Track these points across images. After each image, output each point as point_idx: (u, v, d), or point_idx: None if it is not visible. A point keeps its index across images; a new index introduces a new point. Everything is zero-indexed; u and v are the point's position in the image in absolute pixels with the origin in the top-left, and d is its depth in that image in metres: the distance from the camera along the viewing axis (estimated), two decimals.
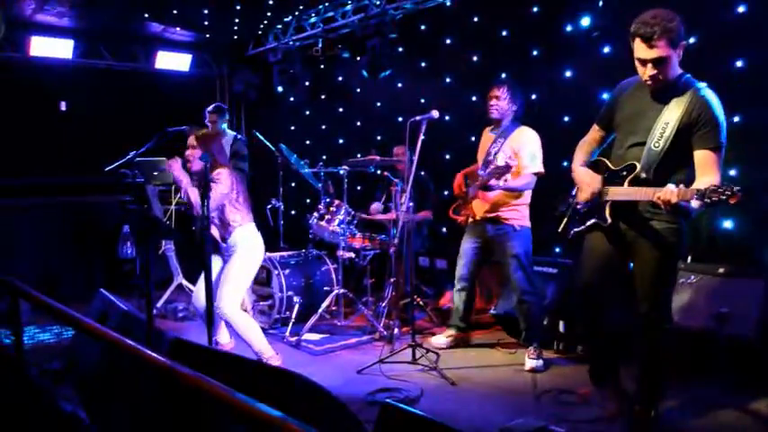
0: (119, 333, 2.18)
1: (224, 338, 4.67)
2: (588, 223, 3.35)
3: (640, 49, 2.99)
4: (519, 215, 4.65)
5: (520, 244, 4.61)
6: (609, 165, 3.31)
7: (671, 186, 2.84)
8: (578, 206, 3.44)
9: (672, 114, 3.03)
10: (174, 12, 7.53)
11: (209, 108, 6.65)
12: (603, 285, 3.41)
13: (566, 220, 3.54)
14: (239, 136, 7.08)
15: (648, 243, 3.16)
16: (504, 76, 6.19)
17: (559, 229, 3.56)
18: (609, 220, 3.21)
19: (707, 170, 2.96)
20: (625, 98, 3.30)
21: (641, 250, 3.20)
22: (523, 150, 4.53)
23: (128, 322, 3.66)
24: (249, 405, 1.35)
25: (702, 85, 3.09)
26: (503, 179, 4.35)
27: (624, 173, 3.17)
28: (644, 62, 3.01)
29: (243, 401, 1.38)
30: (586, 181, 3.37)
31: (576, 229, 3.44)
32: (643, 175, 3.09)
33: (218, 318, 4.52)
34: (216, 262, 4.40)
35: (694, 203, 2.82)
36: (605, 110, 3.45)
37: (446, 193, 6.24)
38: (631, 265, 3.38)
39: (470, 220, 4.87)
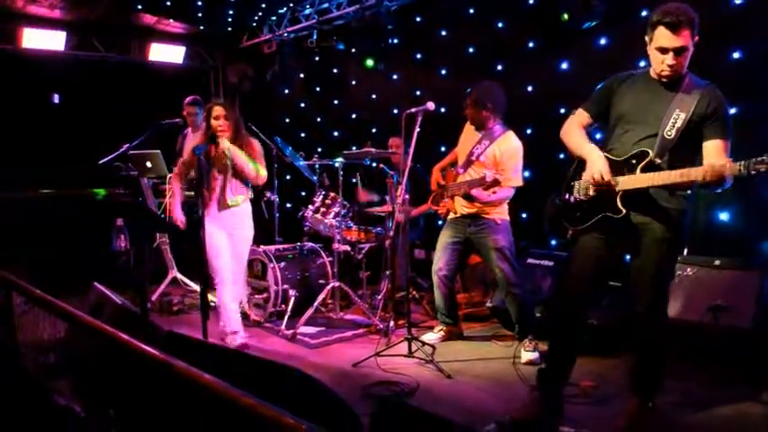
0: (113, 326, 2.16)
1: (242, 332, 4.73)
2: (594, 219, 3.24)
3: (664, 38, 2.96)
4: (500, 209, 4.63)
5: (503, 237, 4.59)
6: (610, 156, 3.20)
7: (694, 168, 2.83)
8: (578, 202, 3.35)
9: (684, 106, 3.02)
10: (168, 3, 7.48)
11: (188, 100, 6.55)
12: (593, 286, 3.36)
13: (562, 219, 3.46)
14: None
15: (658, 236, 3.11)
16: (500, 67, 6.19)
17: (568, 232, 3.46)
18: (623, 211, 3.10)
19: (719, 159, 2.91)
20: (625, 90, 3.24)
21: (649, 240, 3.14)
22: (509, 162, 4.48)
23: (122, 315, 3.63)
24: (244, 398, 1.33)
25: (708, 81, 3.10)
26: (491, 190, 4.31)
27: (634, 161, 3.09)
28: (665, 51, 2.98)
29: (237, 395, 1.36)
30: (599, 161, 3.15)
31: (579, 227, 3.33)
32: (657, 161, 3.04)
33: (235, 308, 4.72)
34: (221, 237, 4.64)
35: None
36: (599, 99, 3.37)
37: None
38: (627, 260, 3.35)
39: (450, 215, 4.84)
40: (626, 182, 3.09)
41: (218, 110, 4.49)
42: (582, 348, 3.50)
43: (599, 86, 3.43)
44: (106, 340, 2.16)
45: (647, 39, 3.06)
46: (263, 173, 4.64)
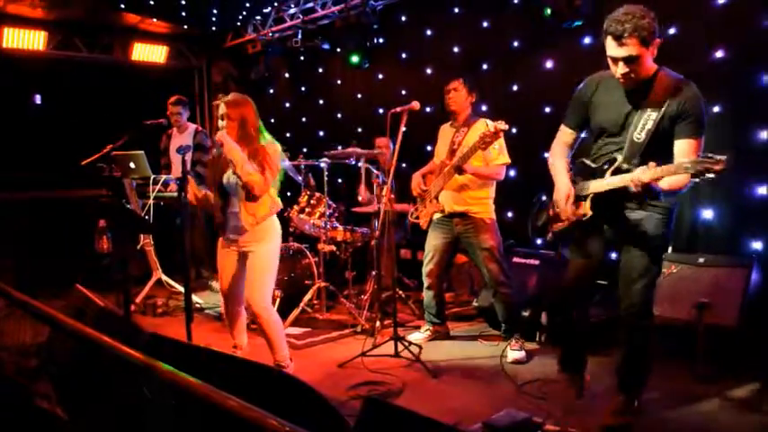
0: (96, 329, 2.13)
1: (243, 341, 4.22)
2: (573, 221, 3.29)
3: (611, 47, 2.93)
4: (487, 209, 4.66)
5: (491, 236, 4.60)
6: (589, 163, 3.25)
7: (640, 168, 2.84)
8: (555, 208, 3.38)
9: (655, 106, 3.00)
10: (151, 2, 7.42)
11: (172, 100, 6.57)
12: (587, 282, 3.39)
13: (543, 220, 3.52)
14: (200, 128, 7.01)
15: (640, 236, 3.14)
16: (485, 66, 6.19)
17: (548, 233, 3.51)
18: (589, 213, 3.15)
19: (689, 157, 2.92)
20: (599, 98, 3.22)
21: (630, 243, 3.17)
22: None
23: (105, 318, 3.60)
24: (228, 401, 1.32)
25: (683, 77, 3.07)
26: (490, 147, 4.31)
27: (605, 166, 3.13)
28: (615, 60, 2.96)
29: (221, 397, 1.34)
30: (564, 193, 3.27)
31: (556, 230, 3.40)
32: (624, 166, 3.05)
33: (239, 317, 4.16)
34: (228, 256, 3.99)
35: (674, 180, 2.82)
36: (575, 110, 3.37)
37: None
38: (614, 256, 3.38)
39: (438, 215, 4.83)
40: (594, 186, 3.16)
41: (221, 108, 3.77)
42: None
43: (573, 96, 3.40)
44: (88, 343, 2.13)
45: None
46: (261, 178, 3.69)
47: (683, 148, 2.98)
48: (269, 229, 3.89)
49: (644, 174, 2.80)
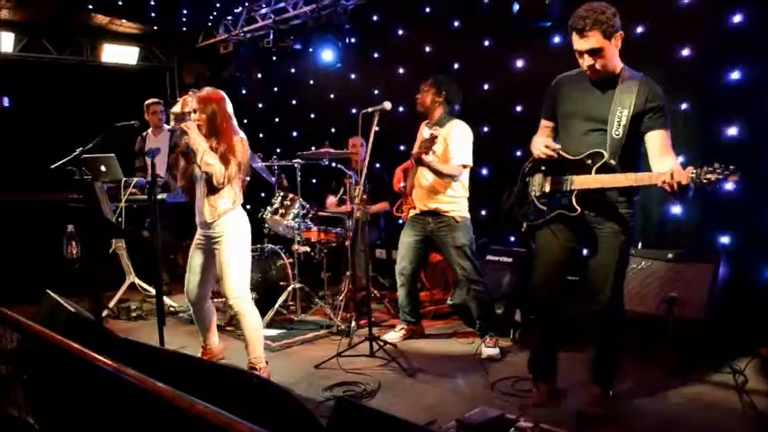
0: (67, 335, 2.11)
1: (213, 341, 4.23)
2: (550, 215, 3.30)
3: (575, 42, 3.09)
4: (459, 207, 4.67)
5: (463, 234, 4.62)
6: (565, 155, 3.26)
7: (675, 168, 2.87)
8: (536, 198, 3.38)
9: (624, 102, 3.08)
10: (120, 3, 7.35)
11: (153, 100, 6.53)
12: (560, 280, 3.44)
13: (517, 208, 3.52)
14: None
15: (614, 230, 3.19)
16: (456, 66, 6.23)
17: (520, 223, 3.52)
18: (578, 210, 3.17)
19: (665, 150, 3.07)
20: (568, 89, 3.33)
21: (606, 238, 3.21)
22: (453, 143, 4.54)
23: (76, 324, 3.56)
24: (195, 406, 1.32)
25: (642, 74, 3.17)
26: (431, 152, 4.34)
27: (589, 161, 3.15)
28: (580, 53, 3.10)
29: (187, 403, 1.34)
30: (540, 139, 3.41)
31: (534, 223, 3.40)
32: (612, 163, 3.10)
33: (210, 317, 4.17)
34: (196, 255, 4.00)
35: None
36: (548, 103, 3.48)
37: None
38: (584, 254, 3.42)
39: (412, 212, 4.85)
40: (581, 182, 3.17)
41: (191, 104, 3.82)
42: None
43: (546, 92, 3.50)
44: (58, 350, 2.11)
45: None
46: (220, 168, 3.67)
47: (658, 141, 3.08)
48: (233, 224, 3.86)
49: (681, 176, 2.82)
